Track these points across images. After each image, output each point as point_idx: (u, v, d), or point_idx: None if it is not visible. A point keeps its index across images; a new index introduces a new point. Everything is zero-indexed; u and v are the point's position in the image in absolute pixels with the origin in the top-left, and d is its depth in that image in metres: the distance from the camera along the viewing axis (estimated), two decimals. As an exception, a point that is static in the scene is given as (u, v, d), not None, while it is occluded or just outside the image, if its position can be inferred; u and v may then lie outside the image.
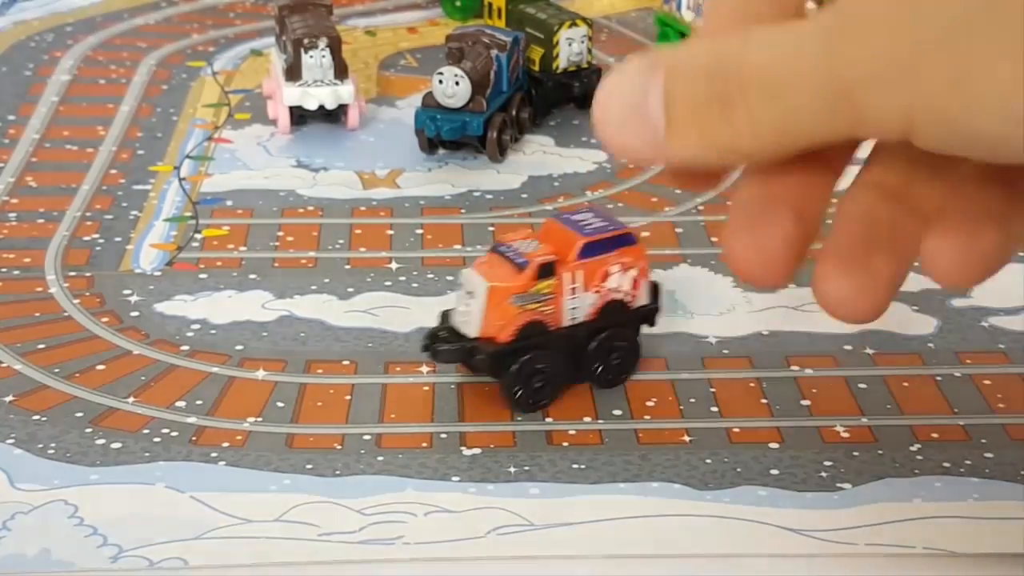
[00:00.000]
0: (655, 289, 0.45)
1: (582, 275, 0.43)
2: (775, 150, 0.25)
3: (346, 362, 0.46)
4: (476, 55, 0.60)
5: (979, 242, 0.25)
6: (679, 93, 0.25)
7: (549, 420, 0.43)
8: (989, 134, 0.22)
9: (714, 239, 0.54)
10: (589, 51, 0.65)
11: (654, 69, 0.25)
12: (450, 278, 0.51)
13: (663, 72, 0.25)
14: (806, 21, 0.24)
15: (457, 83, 0.58)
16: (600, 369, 0.44)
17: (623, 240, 0.44)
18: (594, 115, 0.26)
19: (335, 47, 0.62)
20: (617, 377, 0.45)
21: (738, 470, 0.41)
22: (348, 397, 0.44)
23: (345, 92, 0.62)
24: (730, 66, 0.25)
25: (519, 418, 0.43)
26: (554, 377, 0.44)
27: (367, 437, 0.42)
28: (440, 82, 0.58)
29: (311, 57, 0.62)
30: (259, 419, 0.43)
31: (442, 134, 0.59)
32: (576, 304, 0.43)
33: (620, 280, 0.44)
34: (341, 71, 0.62)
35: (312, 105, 0.62)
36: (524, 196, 0.58)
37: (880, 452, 0.42)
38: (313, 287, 0.51)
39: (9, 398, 0.44)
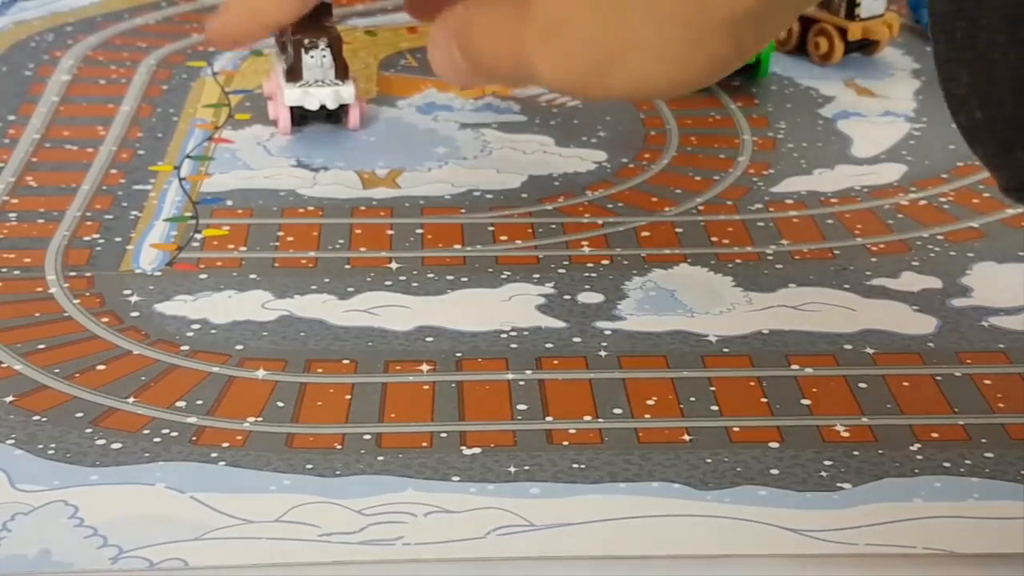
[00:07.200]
0: None
1: None
2: None
3: (346, 361, 0.46)
4: None
5: None
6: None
7: (549, 419, 0.43)
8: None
9: (714, 239, 0.54)
10: None
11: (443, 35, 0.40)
12: (450, 277, 0.51)
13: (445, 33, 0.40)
14: None
15: None
16: None
17: None
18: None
19: (335, 47, 0.62)
20: None
21: (738, 470, 0.41)
22: (348, 397, 0.44)
23: (346, 92, 0.62)
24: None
25: (519, 416, 0.43)
26: None
27: (367, 437, 0.42)
28: None
29: (311, 57, 0.62)
30: (259, 419, 0.43)
31: None
32: None
33: None
34: (342, 71, 0.62)
35: (313, 105, 0.62)
36: (524, 196, 0.58)
37: (880, 452, 0.42)
38: (313, 287, 0.51)
39: (9, 398, 0.44)
